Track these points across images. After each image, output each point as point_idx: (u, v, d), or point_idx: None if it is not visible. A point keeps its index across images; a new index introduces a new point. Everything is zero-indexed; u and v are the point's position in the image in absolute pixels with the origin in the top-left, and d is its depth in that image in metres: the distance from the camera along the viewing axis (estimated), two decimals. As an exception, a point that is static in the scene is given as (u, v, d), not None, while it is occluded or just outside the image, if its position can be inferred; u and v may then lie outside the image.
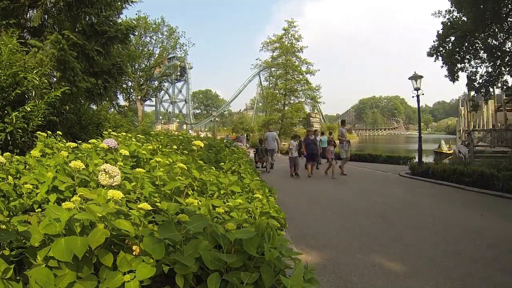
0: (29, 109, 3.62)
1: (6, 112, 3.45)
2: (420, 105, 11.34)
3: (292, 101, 38.59)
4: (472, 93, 14.51)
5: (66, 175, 1.48)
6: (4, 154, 1.71)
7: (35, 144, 2.37)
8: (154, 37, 29.42)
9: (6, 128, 3.42)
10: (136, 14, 26.10)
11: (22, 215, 1.26)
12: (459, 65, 12.12)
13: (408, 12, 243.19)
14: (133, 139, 2.61)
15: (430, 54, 12.59)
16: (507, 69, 11.52)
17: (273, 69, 39.92)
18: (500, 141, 13.64)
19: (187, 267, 0.93)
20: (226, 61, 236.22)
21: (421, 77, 10.57)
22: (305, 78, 37.45)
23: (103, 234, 0.93)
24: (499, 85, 12.48)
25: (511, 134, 14.12)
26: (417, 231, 4.46)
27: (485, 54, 11.81)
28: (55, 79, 4.48)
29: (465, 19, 11.41)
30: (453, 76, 12.30)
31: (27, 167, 1.81)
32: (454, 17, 11.95)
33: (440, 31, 12.20)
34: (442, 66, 12.44)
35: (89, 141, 2.10)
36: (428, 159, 16.76)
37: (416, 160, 11.42)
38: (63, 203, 1.01)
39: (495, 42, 11.56)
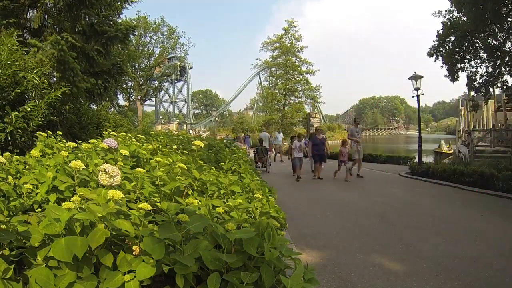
0: (29, 109, 3.62)
1: (6, 112, 3.45)
2: (420, 105, 11.33)
3: (292, 101, 38.63)
4: (472, 93, 14.52)
5: (66, 175, 1.48)
6: (4, 154, 1.71)
7: (35, 144, 2.37)
8: (154, 37, 29.52)
9: (6, 128, 3.42)
10: (136, 14, 26.15)
11: (22, 215, 1.26)
12: (459, 65, 12.13)
13: (408, 12, 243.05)
14: (133, 139, 2.61)
15: (430, 54, 12.60)
16: (507, 69, 11.53)
17: (273, 69, 39.96)
18: (500, 141, 13.64)
19: (187, 267, 0.93)
20: (226, 61, 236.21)
21: (421, 77, 10.57)
22: (305, 78, 37.52)
23: (103, 234, 0.93)
24: (499, 85, 12.50)
25: (511, 134, 14.13)
26: (417, 231, 4.46)
27: (485, 54, 11.82)
28: (55, 79, 4.48)
29: (465, 19, 11.41)
30: (453, 76, 12.30)
31: (27, 167, 1.81)
32: (454, 17, 11.96)
33: (440, 31, 12.21)
34: (442, 66, 12.47)
35: (89, 141, 2.10)
36: (428, 159, 16.75)
37: (416, 160, 11.41)
38: (63, 203, 1.01)
39: (495, 42, 11.57)
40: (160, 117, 72.84)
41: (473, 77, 12.17)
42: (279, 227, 1.82)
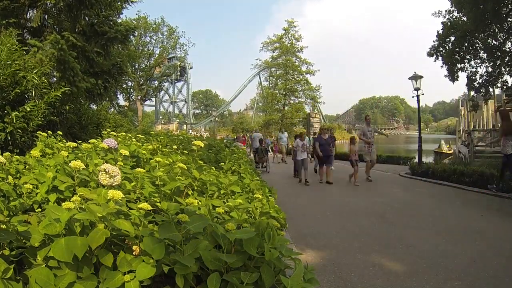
0: (29, 109, 3.62)
1: (6, 112, 3.45)
2: (420, 105, 11.33)
3: (292, 101, 38.56)
4: (472, 93, 14.48)
5: (66, 175, 1.48)
6: (4, 154, 1.71)
7: (35, 144, 2.37)
8: (154, 37, 29.52)
9: (6, 128, 3.42)
10: (136, 14, 26.23)
11: (22, 215, 1.26)
12: (459, 65, 12.11)
13: (408, 12, 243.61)
14: (133, 139, 2.61)
15: (430, 54, 12.58)
16: (507, 69, 11.51)
17: (273, 69, 39.90)
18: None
19: (187, 267, 0.93)
20: (226, 61, 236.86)
21: (421, 77, 10.57)
22: (305, 78, 37.45)
23: (103, 234, 0.93)
24: (499, 85, 12.46)
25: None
26: (417, 231, 4.46)
27: (485, 54, 11.80)
28: (55, 79, 4.48)
29: (465, 19, 11.40)
30: (453, 76, 12.29)
31: (27, 167, 1.81)
32: (454, 17, 11.94)
33: (440, 31, 12.19)
34: (442, 66, 12.44)
35: (89, 141, 2.10)
36: (428, 159, 16.74)
37: (416, 160, 11.41)
38: (63, 203, 1.01)
39: (495, 42, 11.54)
40: (160, 117, 72.86)
41: (473, 77, 12.15)
42: (279, 227, 1.82)
